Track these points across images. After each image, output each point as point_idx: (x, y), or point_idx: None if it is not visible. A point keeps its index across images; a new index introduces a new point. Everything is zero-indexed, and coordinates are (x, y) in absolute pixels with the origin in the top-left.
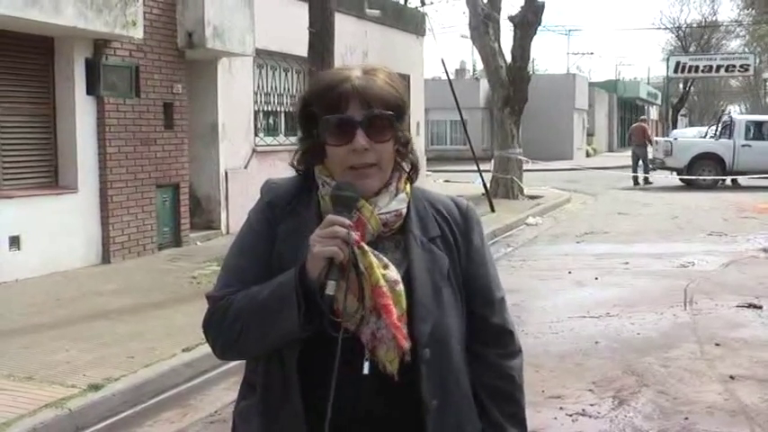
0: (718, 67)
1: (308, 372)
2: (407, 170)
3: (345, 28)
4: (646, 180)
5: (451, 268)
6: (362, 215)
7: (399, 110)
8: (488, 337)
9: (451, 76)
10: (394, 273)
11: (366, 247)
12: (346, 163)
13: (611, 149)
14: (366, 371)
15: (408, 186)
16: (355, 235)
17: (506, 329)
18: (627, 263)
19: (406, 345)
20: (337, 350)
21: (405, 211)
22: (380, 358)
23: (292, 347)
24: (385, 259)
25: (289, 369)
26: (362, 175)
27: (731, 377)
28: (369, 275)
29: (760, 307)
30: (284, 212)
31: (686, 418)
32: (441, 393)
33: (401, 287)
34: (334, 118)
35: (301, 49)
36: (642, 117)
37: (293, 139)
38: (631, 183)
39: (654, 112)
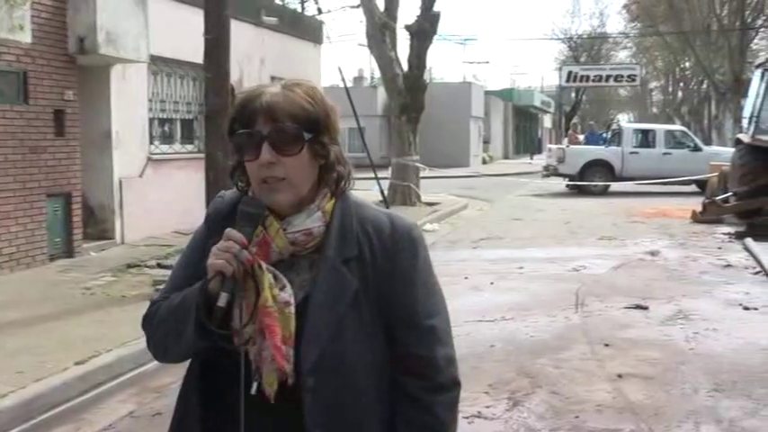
0: (608, 77)
1: (209, 390)
2: (332, 187)
3: (242, 35)
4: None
5: (364, 292)
6: (268, 233)
7: (313, 124)
8: (410, 366)
9: (349, 84)
10: (287, 294)
11: (265, 267)
12: (258, 177)
13: (506, 156)
14: (253, 391)
15: (331, 204)
16: (248, 254)
17: (431, 360)
18: (521, 267)
19: (286, 367)
20: (234, 367)
21: (318, 230)
22: (264, 380)
23: (196, 361)
24: (284, 280)
25: (189, 384)
26: (272, 190)
27: (619, 376)
28: (259, 295)
29: (646, 308)
30: (217, 227)
31: (577, 417)
32: (327, 424)
33: (291, 309)
34: (242, 133)
35: (197, 55)
36: (573, 122)
37: (190, 147)
38: (528, 189)
39: (547, 120)
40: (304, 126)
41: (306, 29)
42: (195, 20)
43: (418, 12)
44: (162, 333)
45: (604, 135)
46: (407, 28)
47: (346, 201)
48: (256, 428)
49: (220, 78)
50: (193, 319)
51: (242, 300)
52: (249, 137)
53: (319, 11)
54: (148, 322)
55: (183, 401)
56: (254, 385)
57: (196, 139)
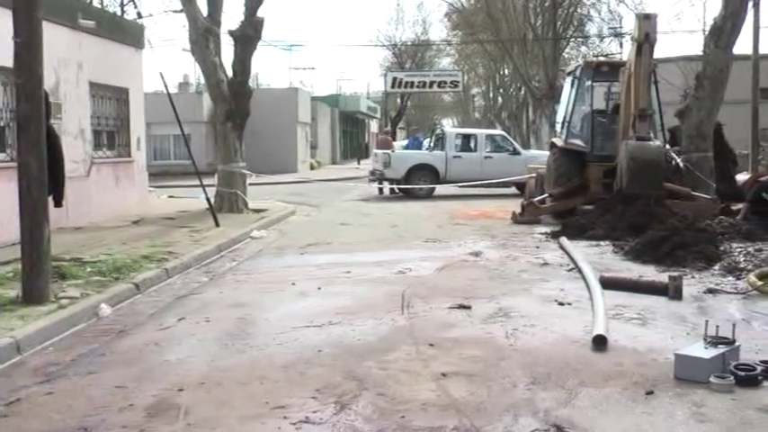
0: (432, 83)
1: None
2: None
3: (57, 38)
4: (392, 190)
5: None
6: None
7: None
8: None
9: (174, 90)
10: None
11: None
12: None
13: (334, 162)
14: None
15: None
16: None
17: None
18: (349, 272)
19: None
20: None
21: None
22: None
23: None
24: None
25: None
26: None
27: (443, 374)
28: None
29: (469, 307)
30: None
31: (403, 417)
32: None
33: None
34: None
35: (6, 60)
36: (386, 129)
37: (2, 155)
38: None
39: (374, 126)
40: None
41: (126, 33)
42: (3, 22)
43: (242, 17)
44: None
45: (423, 140)
46: (231, 33)
47: None
48: None
49: (32, 84)
50: None
51: None
52: None
53: (139, 15)
54: None
55: None
56: None
57: (8, 148)
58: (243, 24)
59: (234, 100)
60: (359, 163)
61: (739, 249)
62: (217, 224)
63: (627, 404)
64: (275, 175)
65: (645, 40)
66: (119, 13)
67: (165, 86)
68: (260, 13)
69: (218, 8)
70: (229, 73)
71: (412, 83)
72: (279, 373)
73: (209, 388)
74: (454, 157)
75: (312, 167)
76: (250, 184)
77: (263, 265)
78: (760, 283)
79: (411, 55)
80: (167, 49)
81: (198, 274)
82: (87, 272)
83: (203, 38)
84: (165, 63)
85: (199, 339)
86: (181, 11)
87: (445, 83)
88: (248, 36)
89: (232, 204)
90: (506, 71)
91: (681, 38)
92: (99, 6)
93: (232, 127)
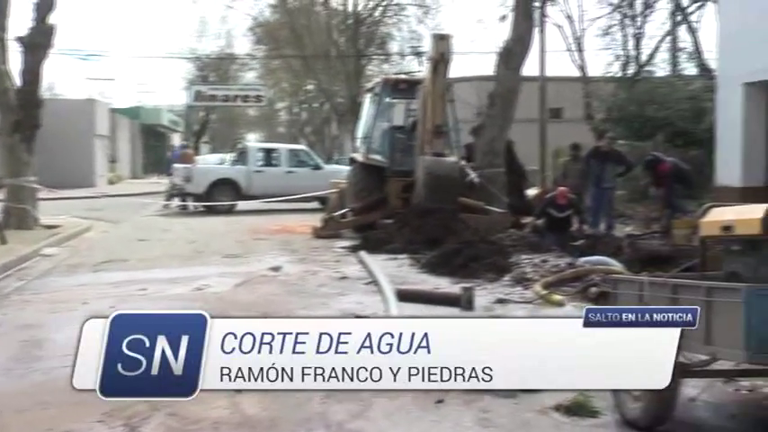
0: (236, 97)
1: None
2: None
3: None
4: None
5: None
6: None
7: None
8: None
9: None
10: None
11: None
12: None
13: (135, 176)
14: None
15: None
16: None
17: None
18: (145, 289)
19: None
20: None
21: None
22: None
23: None
24: None
25: None
26: None
27: (237, 391)
28: None
29: None
30: None
31: None
32: None
33: None
34: None
35: None
36: (185, 143)
37: None
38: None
39: (177, 139)
40: None
41: None
42: None
43: (32, 23)
44: None
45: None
46: (19, 40)
47: None
48: None
49: None
50: None
51: None
52: None
53: None
54: None
55: None
56: None
57: None
58: (32, 31)
59: (22, 110)
60: (160, 177)
61: (527, 260)
62: (3, 241)
63: (418, 413)
64: (71, 189)
65: (440, 59)
66: None
67: None
68: (52, 20)
69: (5, 12)
70: (18, 82)
71: (215, 96)
72: (66, 396)
73: None
74: (256, 171)
75: (111, 182)
76: (44, 200)
77: (54, 284)
78: (544, 292)
79: (215, 68)
80: None
81: None
82: None
83: None
84: None
85: None
86: None
87: (249, 97)
88: (38, 43)
89: (21, 220)
90: (311, 87)
91: (476, 59)
92: None
93: (20, 139)
